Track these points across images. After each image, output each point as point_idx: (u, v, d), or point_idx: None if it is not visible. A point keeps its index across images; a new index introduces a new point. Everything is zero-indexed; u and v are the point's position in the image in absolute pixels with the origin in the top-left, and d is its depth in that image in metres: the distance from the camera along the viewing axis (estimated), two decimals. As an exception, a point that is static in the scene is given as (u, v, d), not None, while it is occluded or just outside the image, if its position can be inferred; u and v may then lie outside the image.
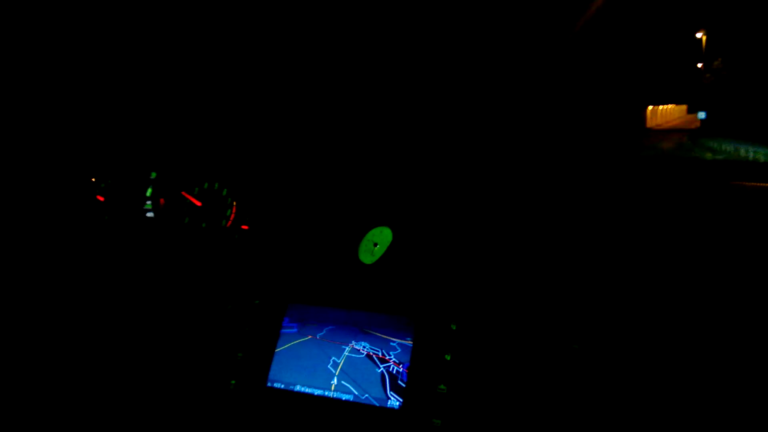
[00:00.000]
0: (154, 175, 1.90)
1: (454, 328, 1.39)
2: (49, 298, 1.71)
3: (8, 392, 1.56)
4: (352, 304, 1.49)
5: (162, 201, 1.87)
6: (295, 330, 1.50)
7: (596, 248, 1.43)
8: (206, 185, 1.86)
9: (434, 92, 1.64)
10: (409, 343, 1.40)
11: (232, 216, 1.82)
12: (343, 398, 1.38)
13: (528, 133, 1.57)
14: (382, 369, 1.39)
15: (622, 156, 1.51)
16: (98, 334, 1.64)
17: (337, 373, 1.40)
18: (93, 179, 1.92)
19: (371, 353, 1.41)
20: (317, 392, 1.40)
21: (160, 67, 1.87)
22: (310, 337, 1.48)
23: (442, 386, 1.34)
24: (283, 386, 1.43)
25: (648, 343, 1.30)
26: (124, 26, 1.75)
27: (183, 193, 1.86)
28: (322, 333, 1.47)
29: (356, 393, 1.37)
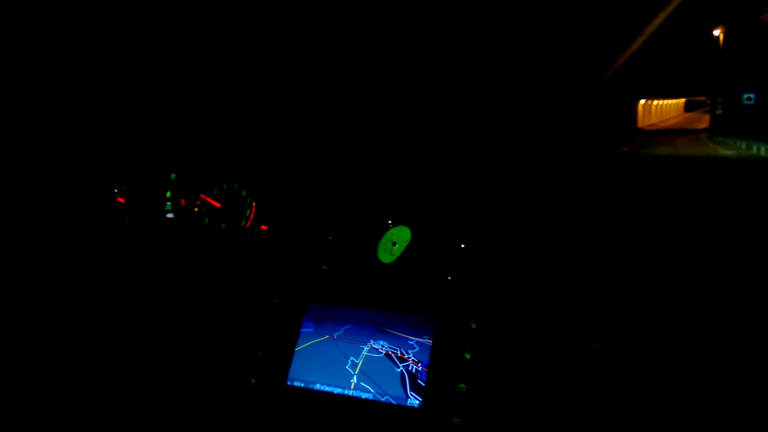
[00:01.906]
0: (174, 176, 1.91)
1: (474, 326, 1.39)
2: (75, 299, 1.73)
3: (34, 384, 1.58)
4: (371, 304, 1.50)
5: (183, 202, 1.88)
6: (311, 329, 1.50)
7: (619, 248, 1.42)
8: (225, 186, 1.87)
9: (450, 95, 1.65)
10: (428, 341, 1.40)
11: (252, 216, 1.83)
12: (363, 397, 1.38)
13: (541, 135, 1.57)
14: (401, 368, 1.39)
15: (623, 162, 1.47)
16: (121, 333, 1.65)
17: (356, 373, 1.41)
18: (115, 187, 1.94)
19: (390, 352, 1.41)
20: (337, 391, 1.40)
21: (179, 69, 1.89)
22: (327, 336, 1.48)
23: (462, 385, 1.33)
24: (302, 385, 1.43)
25: (670, 343, 1.29)
26: (144, 29, 1.77)
27: (202, 195, 1.87)
28: (339, 332, 1.48)
29: (375, 392, 1.37)
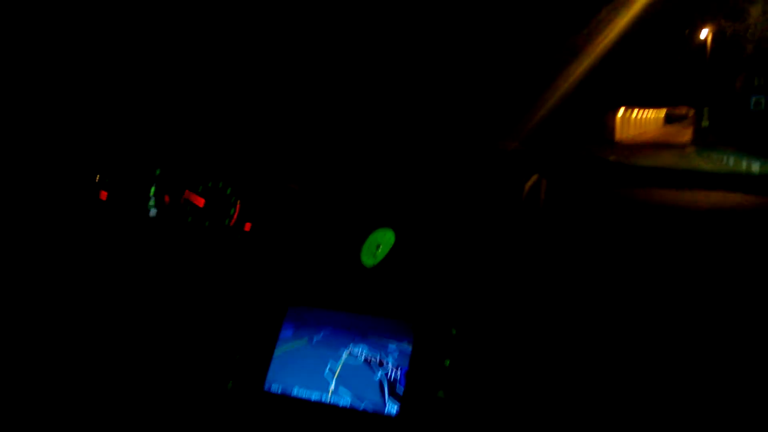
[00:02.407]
0: (158, 172, 1.89)
1: (455, 332, 1.37)
2: (48, 297, 1.70)
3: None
4: (352, 308, 1.48)
5: (167, 199, 1.86)
6: (290, 333, 1.48)
7: (600, 258, 1.41)
8: (210, 184, 1.85)
9: (436, 99, 1.63)
10: (407, 347, 1.39)
11: (236, 216, 1.81)
12: (341, 403, 1.36)
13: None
14: (380, 374, 1.37)
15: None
16: (96, 333, 1.63)
17: (334, 378, 1.39)
18: (96, 177, 1.91)
19: (369, 358, 1.40)
20: (314, 396, 1.38)
21: (165, 65, 1.87)
22: (306, 340, 1.46)
23: (440, 392, 1.32)
24: (280, 389, 1.41)
25: (646, 351, 1.28)
26: (128, 25, 1.75)
27: (187, 192, 1.85)
28: (318, 337, 1.46)
29: (354, 398, 1.36)
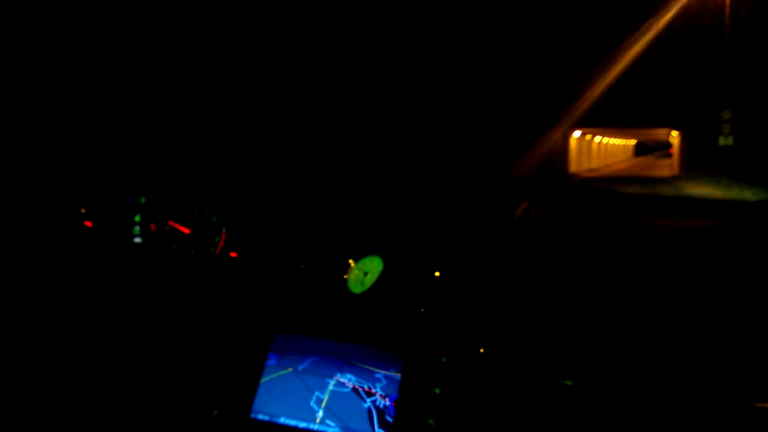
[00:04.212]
0: (143, 200, 1.88)
1: (445, 360, 1.36)
2: (34, 319, 1.67)
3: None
4: (339, 335, 1.46)
5: (152, 227, 1.84)
6: (274, 362, 1.45)
7: (592, 283, 1.42)
8: (196, 212, 1.84)
9: (422, 125, 1.65)
10: (395, 375, 1.37)
11: (221, 243, 1.79)
12: (329, 431, 1.33)
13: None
14: (368, 403, 1.35)
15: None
16: (82, 359, 1.60)
17: (322, 407, 1.36)
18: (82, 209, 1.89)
19: (357, 387, 1.38)
20: (302, 425, 1.35)
21: (148, 92, 1.87)
22: (291, 369, 1.43)
23: (431, 421, 1.30)
24: (267, 418, 1.38)
25: (642, 379, 1.28)
26: (105, 52, 1.76)
27: (170, 222, 1.84)
28: (304, 365, 1.43)
29: (342, 427, 1.33)
